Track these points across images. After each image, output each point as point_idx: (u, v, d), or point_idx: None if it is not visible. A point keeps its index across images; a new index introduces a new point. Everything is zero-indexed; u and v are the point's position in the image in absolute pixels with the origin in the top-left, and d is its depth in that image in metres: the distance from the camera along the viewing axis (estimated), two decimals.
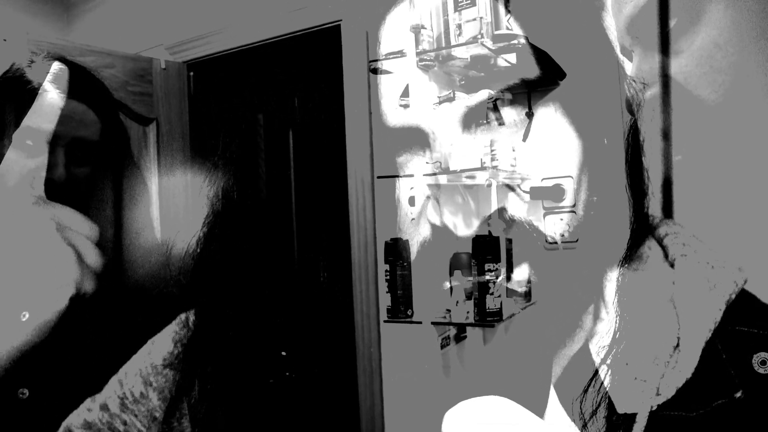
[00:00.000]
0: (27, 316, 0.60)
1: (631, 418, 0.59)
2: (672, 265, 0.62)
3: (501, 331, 1.99)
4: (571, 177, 1.91)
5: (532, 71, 1.90)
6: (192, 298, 1.28)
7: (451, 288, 1.77)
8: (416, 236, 1.92)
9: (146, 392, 0.99)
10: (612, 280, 0.67)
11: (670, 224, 0.64)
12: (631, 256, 0.66)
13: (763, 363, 0.54)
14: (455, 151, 1.82)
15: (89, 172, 1.06)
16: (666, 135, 0.61)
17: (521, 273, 1.91)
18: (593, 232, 1.84)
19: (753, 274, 0.57)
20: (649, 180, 0.66)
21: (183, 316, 1.24)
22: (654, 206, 0.66)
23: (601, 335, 0.66)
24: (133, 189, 1.25)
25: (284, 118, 2.98)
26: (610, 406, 0.62)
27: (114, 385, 0.99)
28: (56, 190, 0.82)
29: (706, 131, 0.59)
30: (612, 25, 0.68)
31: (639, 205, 0.66)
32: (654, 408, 0.57)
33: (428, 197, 1.90)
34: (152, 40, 2.74)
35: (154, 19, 2.77)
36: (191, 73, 2.72)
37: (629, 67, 0.65)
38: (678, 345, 0.58)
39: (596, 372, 0.64)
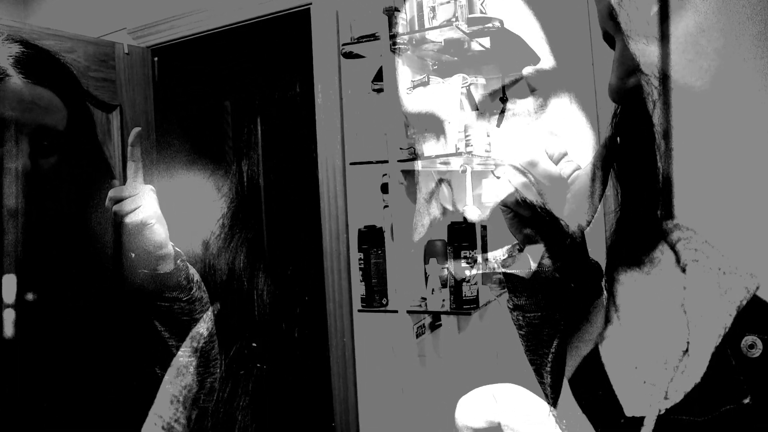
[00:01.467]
0: None
1: (638, 421, 0.59)
2: (683, 270, 0.61)
3: (476, 319, 1.98)
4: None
5: (506, 56, 1.88)
6: None
7: (426, 277, 1.75)
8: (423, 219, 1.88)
9: None
10: (623, 282, 0.66)
11: (683, 229, 0.62)
12: (643, 259, 0.65)
13: (751, 347, 0.54)
14: (429, 137, 1.79)
15: (55, 162, 1.00)
16: (666, 134, 0.60)
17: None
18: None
19: (765, 280, 0.56)
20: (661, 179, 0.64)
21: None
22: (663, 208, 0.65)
23: (612, 339, 0.66)
24: (102, 182, 1.19)
25: (253, 105, 2.92)
26: (618, 410, 0.62)
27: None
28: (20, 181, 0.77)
29: (697, 122, 0.58)
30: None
31: (650, 206, 0.65)
32: (662, 412, 0.57)
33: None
34: (114, 24, 2.66)
35: (117, 2, 2.68)
36: (156, 59, 2.64)
37: (616, 50, 0.63)
38: (687, 350, 0.58)
39: (605, 375, 0.65)
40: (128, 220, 1.01)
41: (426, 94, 1.81)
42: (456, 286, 1.69)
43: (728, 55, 0.53)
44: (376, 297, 1.77)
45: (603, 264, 0.74)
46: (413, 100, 1.83)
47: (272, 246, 2.76)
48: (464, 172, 1.78)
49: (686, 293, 0.60)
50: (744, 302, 0.56)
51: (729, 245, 0.58)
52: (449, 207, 1.83)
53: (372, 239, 1.81)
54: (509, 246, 0.85)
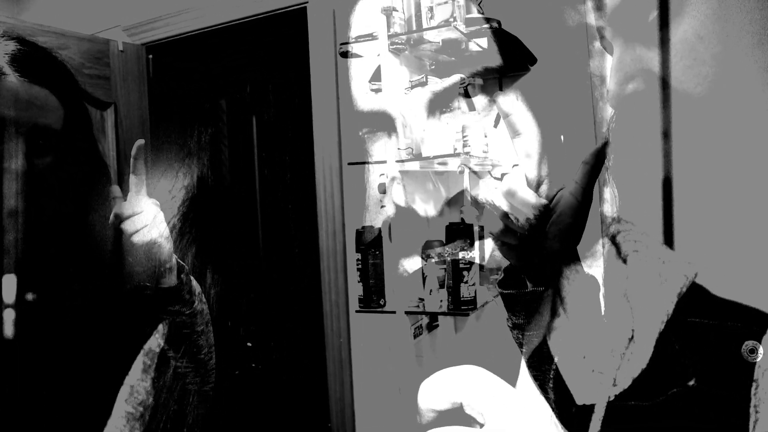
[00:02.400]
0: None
1: (589, 409, 0.61)
2: (625, 261, 0.63)
3: (473, 319, 1.98)
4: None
5: (504, 56, 1.88)
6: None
7: (423, 277, 1.75)
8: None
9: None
10: (567, 276, 0.67)
11: (621, 222, 0.65)
12: (584, 253, 0.67)
13: (752, 351, 0.55)
14: (427, 137, 1.79)
15: (52, 162, 0.99)
16: (666, 134, 0.60)
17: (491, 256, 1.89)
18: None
19: (703, 267, 0.59)
20: (610, 178, 0.67)
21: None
22: (606, 205, 0.68)
23: (559, 331, 0.68)
24: (99, 182, 1.18)
25: (248, 104, 2.91)
26: (570, 399, 0.64)
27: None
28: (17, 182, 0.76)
29: (691, 125, 0.58)
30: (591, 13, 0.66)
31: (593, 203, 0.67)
32: (612, 398, 0.60)
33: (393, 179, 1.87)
34: (109, 21, 2.64)
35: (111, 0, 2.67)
36: (150, 56, 2.63)
37: (610, 59, 0.63)
38: (633, 337, 0.60)
39: (556, 367, 0.66)
40: (136, 239, 0.99)
41: (424, 94, 1.81)
42: (454, 285, 1.69)
43: (726, 61, 0.53)
44: (373, 297, 1.77)
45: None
46: (411, 100, 1.83)
47: (267, 245, 2.76)
48: (462, 172, 1.78)
49: (628, 283, 0.62)
50: (684, 289, 0.58)
51: (665, 235, 0.61)
52: (401, 204, 1.83)
53: (370, 239, 1.81)
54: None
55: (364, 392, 2.14)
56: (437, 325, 1.97)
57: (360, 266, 1.78)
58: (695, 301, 0.58)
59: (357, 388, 2.16)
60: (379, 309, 1.77)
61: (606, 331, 0.62)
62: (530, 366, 0.71)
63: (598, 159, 0.66)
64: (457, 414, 0.68)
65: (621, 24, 0.60)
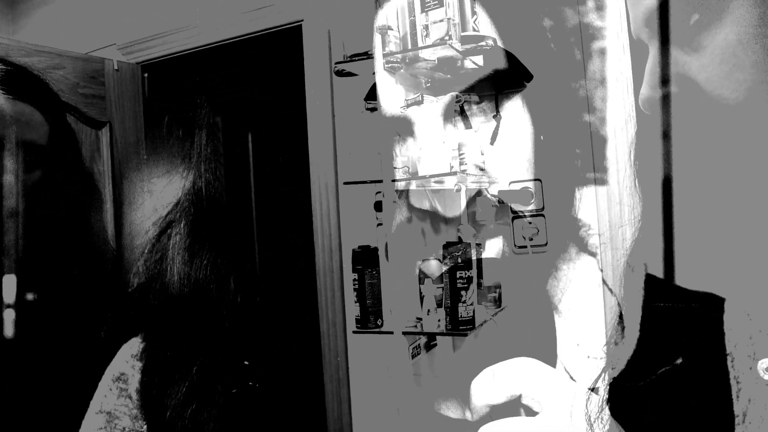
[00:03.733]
0: None
1: (594, 392, 0.64)
2: (593, 255, 0.70)
3: (471, 337, 1.96)
4: (540, 180, 1.89)
5: (500, 74, 1.87)
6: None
7: (421, 297, 1.73)
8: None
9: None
10: (557, 278, 0.74)
11: (581, 221, 0.71)
12: (561, 255, 0.75)
13: None
14: (424, 156, 1.78)
15: (38, 178, 0.99)
16: (666, 135, 0.61)
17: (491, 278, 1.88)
18: (560, 235, 1.82)
19: (648, 258, 0.63)
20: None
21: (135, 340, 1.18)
22: (580, 210, 0.74)
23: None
24: (84, 196, 1.17)
25: (244, 122, 2.90)
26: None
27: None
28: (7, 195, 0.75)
29: (715, 131, 0.59)
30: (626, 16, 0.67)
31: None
32: (611, 381, 0.63)
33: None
34: (104, 40, 2.64)
35: (106, 18, 2.66)
36: (146, 75, 2.62)
37: (649, 60, 0.63)
38: (621, 320, 0.64)
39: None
40: None
41: (420, 112, 1.80)
42: (452, 305, 1.67)
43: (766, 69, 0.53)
44: (371, 318, 1.75)
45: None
46: (407, 118, 1.82)
47: (264, 262, 2.74)
48: (459, 191, 1.77)
49: (604, 274, 0.66)
50: (644, 276, 0.62)
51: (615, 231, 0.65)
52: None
53: (366, 259, 1.80)
54: None
55: (362, 412, 2.12)
56: (435, 344, 1.95)
57: (357, 286, 1.77)
58: (654, 287, 0.62)
59: (355, 407, 2.13)
60: (377, 330, 1.75)
61: (594, 318, 0.69)
62: None
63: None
64: (513, 405, 0.71)
65: (659, 26, 0.60)
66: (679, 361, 0.58)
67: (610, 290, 0.61)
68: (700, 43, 0.54)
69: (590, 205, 1.71)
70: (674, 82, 0.58)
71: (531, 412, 0.66)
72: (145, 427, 1.13)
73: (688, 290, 0.60)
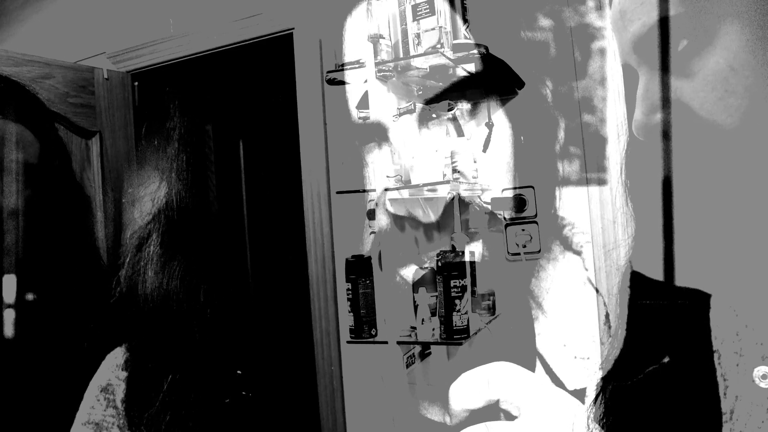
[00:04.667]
0: None
1: (581, 393, 0.63)
2: (578, 253, 0.70)
3: (465, 346, 1.96)
4: (533, 187, 1.89)
5: (492, 81, 1.87)
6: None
7: (415, 305, 1.73)
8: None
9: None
10: (539, 278, 0.75)
11: (565, 219, 0.70)
12: (543, 253, 0.75)
13: (764, 377, 0.56)
14: (416, 164, 1.78)
15: (29, 197, 0.97)
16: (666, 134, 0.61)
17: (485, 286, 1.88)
18: (549, 238, 1.82)
19: (634, 256, 0.63)
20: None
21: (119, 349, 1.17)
22: (561, 207, 0.74)
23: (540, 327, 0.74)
24: (74, 208, 1.16)
25: (235, 130, 2.89)
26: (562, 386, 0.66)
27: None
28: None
29: (714, 154, 0.59)
30: (613, 41, 0.67)
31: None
32: (599, 381, 0.63)
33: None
34: (94, 48, 2.62)
35: (96, 26, 2.65)
36: (136, 84, 2.61)
37: (639, 86, 0.63)
38: (608, 320, 0.65)
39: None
40: None
41: (412, 120, 1.80)
42: (447, 314, 1.67)
43: (757, 94, 0.53)
44: (365, 328, 1.74)
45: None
46: (399, 127, 1.82)
47: (256, 271, 2.73)
48: (453, 199, 1.77)
49: (589, 273, 0.66)
50: (629, 274, 0.63)
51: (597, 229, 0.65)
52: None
53: (360, 269, 1.79)
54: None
55: (357, 421, 2.11)
56: (429, 353, 1.94)
57: (350, 296, 1.76)
58: (639, 285, 0.62)
59: (350, 417, 2.12)
60: (371, 339, 1.74)
61: (580, 318, 0.69)
62: None
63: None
64: (491, 410, 0.71)
65: (648, 52, 0.60)
66: (667, 359, 0.58)
67: (596, 289, 0.61)
68: (691, 69, 0.55)
69: (581, 206, 1.72)
70: (666, 108, 0.59)
71: (510, 417, 0.66)
72: None
73: (675, 287, 0.60)
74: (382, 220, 1.85)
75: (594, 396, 0.62)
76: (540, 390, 0.65)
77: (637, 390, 0.60)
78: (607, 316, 0.62)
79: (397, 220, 1.91)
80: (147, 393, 1.18)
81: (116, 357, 1.19)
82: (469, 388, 0.68)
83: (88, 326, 1.08)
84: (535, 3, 1.83)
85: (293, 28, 2.16)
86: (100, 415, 1.12)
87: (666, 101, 0.58)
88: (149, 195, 1.35)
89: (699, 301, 0.58)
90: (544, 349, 0.65)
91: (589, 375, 0.63)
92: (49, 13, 2.80)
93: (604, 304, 0.62)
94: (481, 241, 1.94)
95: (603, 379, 0.63)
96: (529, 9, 1.85)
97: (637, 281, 0.62)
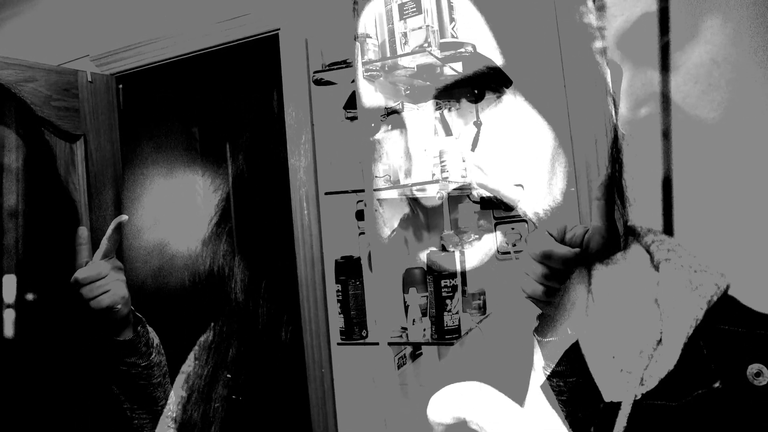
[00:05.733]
0: None
1: (616, 406, 0.64)
2: (657, 269, 0.67)
3: (456, 346, 1.95)
4: (522, 186, 1.88)
5: (479, 80, 1.87)
6: None
7: (406, 306, 1.72)
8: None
9: None
10: (599, 278, 0.72)
11: (656, 233, 0.68)
12: (617, 258, 0.71)
13: (757, 374, 0.57)
14: (405, 164, 1.77)
15: (14, 201, 0.96)
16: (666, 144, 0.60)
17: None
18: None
19: (735, 280, 0.62)
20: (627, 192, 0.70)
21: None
22: (636, 216, 0.70)
23: (590, 332, 0.72)
24: (60, 212, 1.15)
25: (221, 131, 2.87)
26: (597, 396, 0.67)
27: None
28: None
29: (703, 148, 0.59)
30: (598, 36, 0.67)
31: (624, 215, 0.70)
32: (638, 397, 0.63)
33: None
34: (77, 51, 2.59)
35: (79, 29, 2.62)
36: (120, 86, 2.58)
37: (623, 81, 0.63)
38: (661, 340, 0.63)
39: (585, 365, 0.70)
40: (94, 304, 0.98)
41: (400, 120, 1.79)
42: (437, 314, 1.66)
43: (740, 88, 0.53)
44: (355, 329, 1.73)
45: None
46: (387, 126, 1.81)
47: (244, 274, 2.71)
48: (441, 198, 1.76)
49: (659, 289, 0.65)
50: (715, 298, 0.62)
51: (700, 247, 0.63)
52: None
53: (350, 270, 1.78)
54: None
55: (348, 424, 2.09)
56: (421, 354, 1.93)
57: (340, 298, 1.75)
58: (727, 309, 0.61)
59: (341, 419, 2.11)
60: (362, 341, 1.73)
61: (635, 332, 0.65)
62: (558, 366, 0.75)
63: (608, 192, 0.69)
64: (460, 427, 0.71)
65: (631, 47, 0.60)
66: (718, 384, 0.58)
67: (659, 308, 0.61)
68: (674, 63, 0.55)
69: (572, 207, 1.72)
70: (650, 102, 0.59)
71: None
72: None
73: (761, 313, 0.59)
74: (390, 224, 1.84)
75: (629, 411, 0.63)
76: (506, 412, 0.66)
77: (680, 411, 0.59)
78: (661, 333, 0.61)
79: (387, 220, 1.91)
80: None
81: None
82: (443, 404, 0.70)
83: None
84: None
85: (279, 29, 2.14)
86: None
87: (650, 96, 0.58)
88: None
89: None
90: (589, 358, 0.66)
91: (629, 390, 0.63)
92: (30, 17, 2.77)
93: (662, 320, 0.61)
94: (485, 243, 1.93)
95: (644, 395, 0.63)
96: (517, 6, 1.85)
97: (721, 304, 0.61)
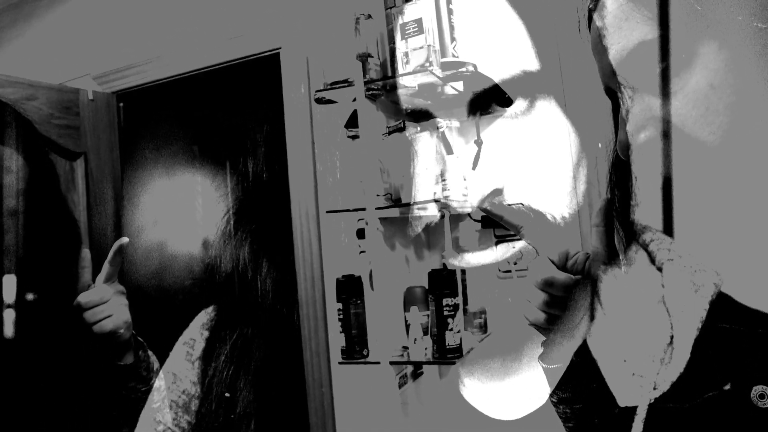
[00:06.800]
0: None
1: (632, 410, 0.64)
2: (660, 269, 0.66)
3: (457, 364, 1.94)
4: (522, 204, 1.88)
5: (479, 99, 1.88)
6: None
7: (407, 325, 1.71)
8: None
9: None
10: (605, 281, 0.71)
11: (653, 231, 0.67)
12: (621, 259, 0.70)
13: (761, 396, 0.56)
14: (406, 183, 1.77)
15: (18, 222, 0.95)
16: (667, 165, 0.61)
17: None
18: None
19: (726, 276, 0.62)
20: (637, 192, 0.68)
21: None
22: (640, 215, 0.69)
23: (599, 334, 0.71)
24: (62, 230, 1.15)
25: (222, 149, 2.87)
26: (612, 401, 0.67)
27: None
28: None
29: (703, 169, 0.59)
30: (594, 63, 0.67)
31: (626, 215, 0.70)
32: (652, 401, 0.62)
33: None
34: (78, 70, 2.60)
35: (80, 48, 2.63)
36: (121, 104, 2.59)
37: (627, 108, 0.63)
38: (671, 342, 0.63)
39: (598, 369, 0.69)
40: (97, 329, 0.99)
41: (401, 139, 1.80)
42: (439, 333, 1.65)
43: (740, 112, 0.53)
44: (356, 348, 1.72)
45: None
46: (389, 145, 1.81)
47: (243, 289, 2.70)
48: (443, 217, 1.76)
49: (665, 290, 0.65)
50: (714, 296, 0.61)
51: (694, 246, 0.64)
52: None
53: (351, 288, 1.77)
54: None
55: None
56: (422, 373, 1.92)
57: (342, 316, 1.74)
58: (723, 308, 0.61)
59: None
60: (363, 360, 1.72)
61: (645, 336, 0.65)
62: (569, 371, 0.75)
63: (607, 218, 0.69)
64: None
65: (628, 75, 0.60)
66: (728, 386, 0.58)
67: (667, 310, 0.61)
68: (672, 89, 0.55)
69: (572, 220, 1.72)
70: (648, 127, 0.59)
71: None
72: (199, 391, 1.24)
73: (754, 310, 0.60)
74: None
75: (644, 416, 0.62)
76: None
77: (693, 414, 0.60)
78: (671, 336, 0.62)
79: (388, 239, 1.90)
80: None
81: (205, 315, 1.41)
82: None
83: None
84: (525, 23, 1.84)
85: (280, 48, 2.15)
86: (179, 367, 1.24)
87: (647, 122, 0.59)
88: None
89: None
90: (601, 362, 0.66)
91: (643, 394, 0.63)
92: (32, 36, 2.78)
93: (670, 323, 0.61)
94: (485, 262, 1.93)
95: (657, 399, 0.62)
96: (518, 28, 1.86)
97: (719, 303, 0.62)
